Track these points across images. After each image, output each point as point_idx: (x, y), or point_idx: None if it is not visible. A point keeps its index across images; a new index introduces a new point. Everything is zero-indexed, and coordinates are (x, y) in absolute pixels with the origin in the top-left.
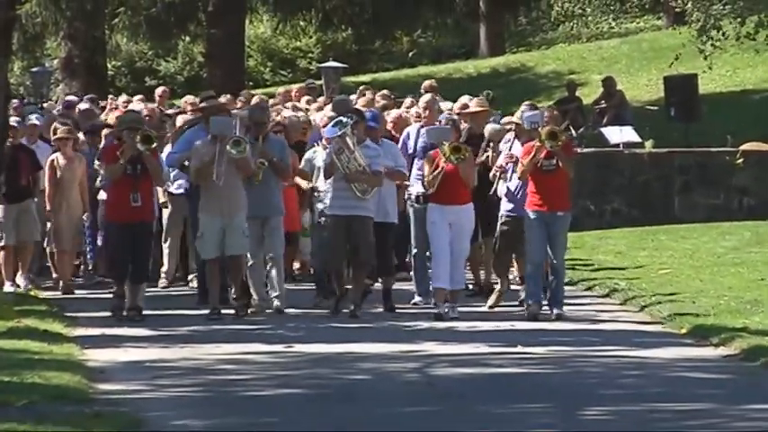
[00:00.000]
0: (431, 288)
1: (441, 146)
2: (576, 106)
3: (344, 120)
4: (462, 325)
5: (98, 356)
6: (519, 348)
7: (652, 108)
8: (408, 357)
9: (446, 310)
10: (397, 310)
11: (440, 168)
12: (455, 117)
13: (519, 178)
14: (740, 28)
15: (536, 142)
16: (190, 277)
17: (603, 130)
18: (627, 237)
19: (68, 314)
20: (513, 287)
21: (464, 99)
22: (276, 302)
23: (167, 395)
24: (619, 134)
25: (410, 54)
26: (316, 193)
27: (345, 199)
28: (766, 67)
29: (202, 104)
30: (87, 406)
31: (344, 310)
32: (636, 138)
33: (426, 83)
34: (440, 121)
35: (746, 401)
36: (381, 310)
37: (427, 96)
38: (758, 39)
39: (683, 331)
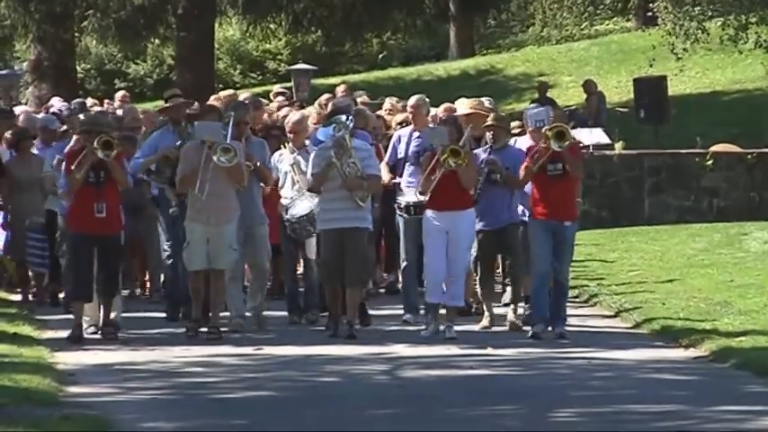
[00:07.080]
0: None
1: (437, 148)
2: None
3: (343, 120)
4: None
5: (67, 359)
6: (489, 350)
7: (622, 110)
8: (378, 360)
9: (441, 328)
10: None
11: (436, 173)
12: (456, 115)
13: (521, 180)
14: (722, 31)
15: (541, 143)
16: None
17: (573, 131)
18: (597, 238)
19: (38, 317)
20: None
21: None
22: (249, 313)
23: (137, 398)
24: (589, 136)
25: (380, 56)
26: (283, 202)
27: (343, 210)
28: (736, 68)
29: (167, 104)
30: (57, 409)
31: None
32: (606, 139)
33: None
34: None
35: (716, 403)
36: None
37: (414, 99)
38: (745, 38)
39: (653, 333)
